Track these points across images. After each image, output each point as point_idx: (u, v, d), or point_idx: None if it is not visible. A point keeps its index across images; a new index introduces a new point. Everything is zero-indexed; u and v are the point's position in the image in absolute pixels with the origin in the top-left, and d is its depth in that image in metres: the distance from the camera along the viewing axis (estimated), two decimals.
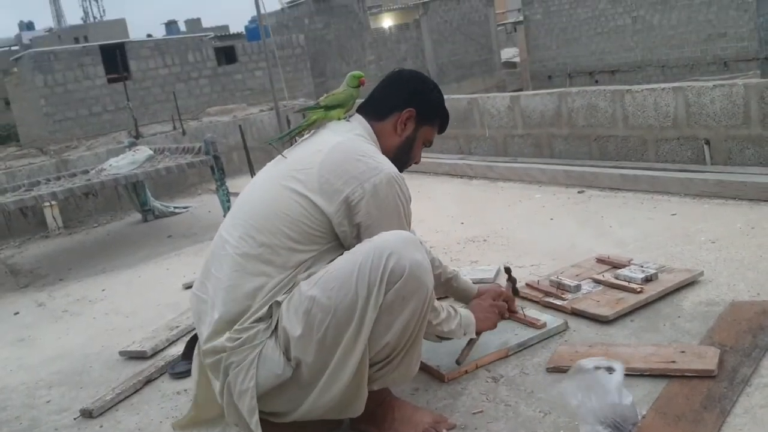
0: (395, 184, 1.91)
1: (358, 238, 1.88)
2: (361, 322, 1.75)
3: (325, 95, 2.23)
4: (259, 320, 1.85)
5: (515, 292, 2.60)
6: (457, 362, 2.30)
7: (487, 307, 2.38)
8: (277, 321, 1.83)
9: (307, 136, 2.13)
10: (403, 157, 2.16)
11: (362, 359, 1.78)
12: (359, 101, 2.22)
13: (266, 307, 1.85)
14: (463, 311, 2.24)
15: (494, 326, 2.36)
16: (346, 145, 1.98)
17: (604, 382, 1.80)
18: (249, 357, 1.82)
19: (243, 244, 1.91)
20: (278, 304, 1.83)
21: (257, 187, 2.05)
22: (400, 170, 2.05)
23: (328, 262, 1.87)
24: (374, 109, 2.16)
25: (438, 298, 2.14)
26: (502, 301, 2.47)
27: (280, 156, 2.09)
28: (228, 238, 1.97)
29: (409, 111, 2.13)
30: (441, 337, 2.15)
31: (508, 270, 2.67)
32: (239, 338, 1.83)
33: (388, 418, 2.00)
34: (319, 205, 1.87)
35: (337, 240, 1.92)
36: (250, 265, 1.88)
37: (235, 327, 1.85)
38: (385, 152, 2.05)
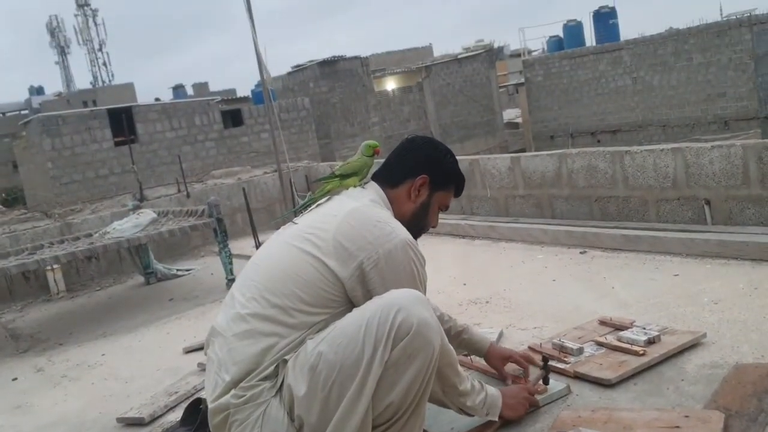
0: (409, 250, 1.94)
1: (374, 292, 1.89)
2: (365, 379, 1.73)
3: (340, 165, 2.29)
4: (266, 378, 1.83)
5: (545, 381, 2.50)
6: None
7: (519, 396, 2.32)
8: (283, 379, 1.81)
9: (322, 201, 2.17)
10: (419, 223, 2.20)
11: (365, 419, 1.74)
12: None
13: (273, 366, 1.83)
14: (492, 390, 2.21)
15: (519, 418, 2.30)
16: (362, 211, 2.00)
17: None
18: (253, 415, 1.80)
19: (255, 304, 1.91)
20: (285, 362, 1.82)
21: (271, 249, 2.07)
22: (417, 235, 2.11)
23: (336, 320, 1.87)
24: (388, 176, 2.20)
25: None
26: (533, 397, 2.38)
27: (291, 222, 2.13)
28: (240, 298, 1.97)
29: (423, 178, 2.17)
30: (462, 410, 2.12)
31: (545, 360, 2.55)
32: (244, 396, 1.82)
33: None
34: (333, 269, 1.89)
35: (350, 304, 1.92)
36: (261, 325, 1.88)
37: (241, 384, 1.84)
38: (399, 218, 2.09)
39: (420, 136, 2.35)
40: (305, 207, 2.25)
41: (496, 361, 2.61)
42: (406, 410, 1.82)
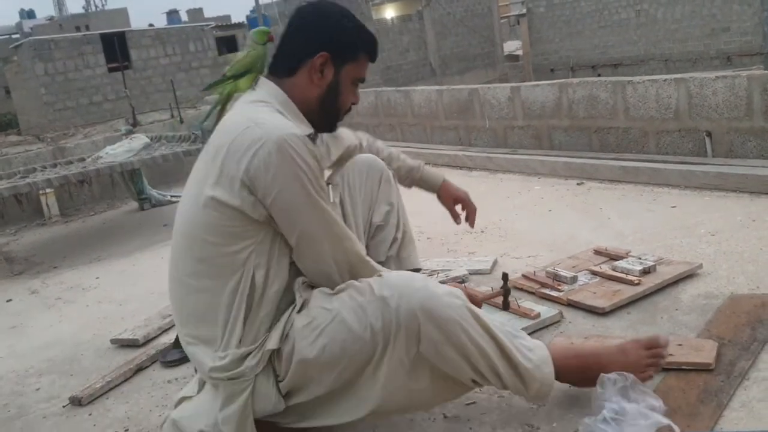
0: (288, 149, 1.67)
1: (276, 221, 1.74)
2: (377, 370, 1.70)
3: (230, 65, 2.03)
4: (247, 355, 1.76)
5: (505, 305, 2.44)
6: None
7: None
8: (269, 359, 1.76)
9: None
10: (331, 108, 1.92)
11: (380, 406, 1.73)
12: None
13: (254, 345, 1.76)
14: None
15: None
16: (230, 121, 1.79)
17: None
18: (245, 391, 1.76)
19: (182, 265, 1.85)
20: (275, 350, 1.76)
21: (184, 198, 1.90)
22: (336, 120, 1.94)
23: (274, 250, 1.77)
24: (282, 65, 1.89)
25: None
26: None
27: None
28: (173, 255, 1.92)
29: (322, 56, 1.84)
30: None
31: (505, 277, 2.43)
32: (228, 373, 1.76)
33: None
34: (223, 200, 1.70)
35: (267, 226, 1.75)
36: (197, 282, 1.83)
37: (222, 363, 1.76)
38: (308, 108, 1.86)
39: (308, 5, 1.96)
40: (210, 117, 2.01)
41: (447, 200, 2.70)
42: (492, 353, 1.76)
